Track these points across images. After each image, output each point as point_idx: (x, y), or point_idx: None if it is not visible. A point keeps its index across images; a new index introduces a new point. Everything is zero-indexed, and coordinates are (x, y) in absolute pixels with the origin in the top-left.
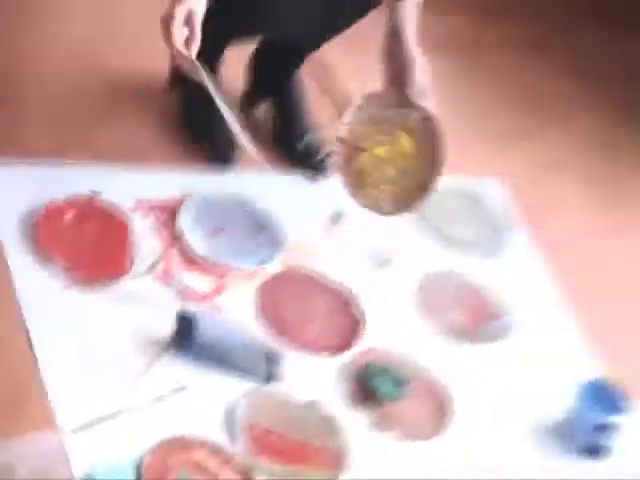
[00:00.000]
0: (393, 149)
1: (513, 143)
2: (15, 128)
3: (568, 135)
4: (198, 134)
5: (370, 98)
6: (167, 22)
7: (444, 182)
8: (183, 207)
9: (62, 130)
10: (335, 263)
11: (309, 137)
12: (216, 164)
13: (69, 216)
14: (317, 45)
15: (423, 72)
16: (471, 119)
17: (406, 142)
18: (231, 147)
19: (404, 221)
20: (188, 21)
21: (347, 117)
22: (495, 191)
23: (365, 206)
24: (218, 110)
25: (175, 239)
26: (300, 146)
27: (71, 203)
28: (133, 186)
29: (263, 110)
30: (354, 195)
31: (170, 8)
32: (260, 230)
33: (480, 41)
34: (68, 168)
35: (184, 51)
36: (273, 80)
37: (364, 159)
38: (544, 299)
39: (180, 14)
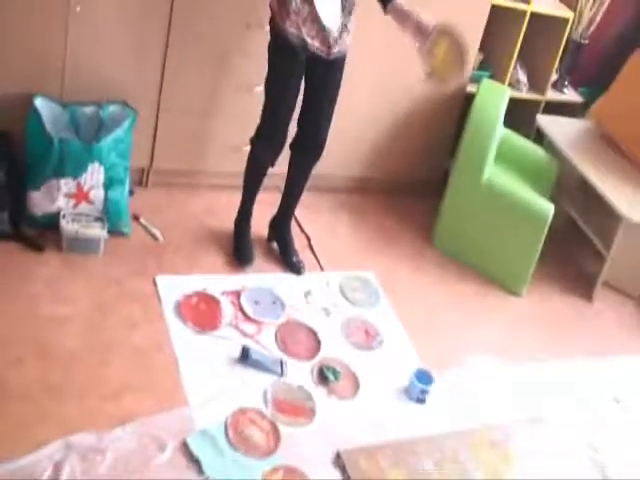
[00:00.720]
0: (441, 52)
1: (375, 253)
2: (169, 256)
3: (398, 248)
4: (239, 252)
5: (421, 45)
6: None
7: (348, 275)
8: (242, 293)
9: (190, 260)
10: (308, 315)
11: (295, 256)
12: (244, 263)
13: (193, 300)
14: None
15: (423, 15)
16: (362, 242)
17: (443, 45)
18: (252, 255)
19: (334, 294)
20: None
21: (423, 60)
22: (372, 276)
23: (441, 86)
24: (248, 241)
25: (239, 308)
26: (292, 260)
27: (193, 294)
28: (220, 283)
29: (275, 244)
30: (437, 84)
31: None
32: (274, 302)
33: (361, 206)
34: (187, 279)
35: None
36: (279, 230)
37: (434, 65)
38: (395, 327)
39: None
